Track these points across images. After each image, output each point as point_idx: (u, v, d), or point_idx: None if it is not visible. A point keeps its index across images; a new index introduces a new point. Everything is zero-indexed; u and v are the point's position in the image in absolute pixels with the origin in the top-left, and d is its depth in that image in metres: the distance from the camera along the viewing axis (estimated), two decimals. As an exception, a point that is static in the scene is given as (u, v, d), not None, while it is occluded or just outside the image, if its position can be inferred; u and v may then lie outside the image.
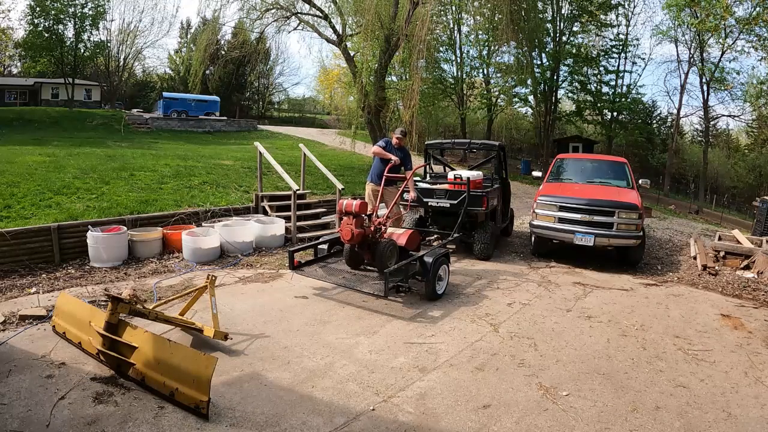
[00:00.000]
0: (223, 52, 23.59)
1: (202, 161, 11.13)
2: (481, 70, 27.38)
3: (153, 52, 70.43)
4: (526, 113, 32.06)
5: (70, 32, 26.09)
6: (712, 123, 31.22)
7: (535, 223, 6.76)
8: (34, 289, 4.76)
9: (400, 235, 5.12)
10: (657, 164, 32.72)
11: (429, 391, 3.15)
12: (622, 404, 3.06)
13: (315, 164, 8.56)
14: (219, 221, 6.91)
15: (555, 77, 26.25)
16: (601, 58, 27.35)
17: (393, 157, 5.96)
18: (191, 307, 4.04)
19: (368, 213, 4.91)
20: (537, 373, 3.45)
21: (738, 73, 24.37)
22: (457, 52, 26.31)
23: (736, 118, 29.31)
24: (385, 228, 5.07)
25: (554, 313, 4.70)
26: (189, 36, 41.47)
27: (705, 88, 26.91)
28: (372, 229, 4.85)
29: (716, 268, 6.48)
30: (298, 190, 7.53)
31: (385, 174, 5.88)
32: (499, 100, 28.01)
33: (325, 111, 45.59)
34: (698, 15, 13.27)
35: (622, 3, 26.28)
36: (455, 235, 6.19)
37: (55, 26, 25.39)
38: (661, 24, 31.67)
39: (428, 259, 4.76)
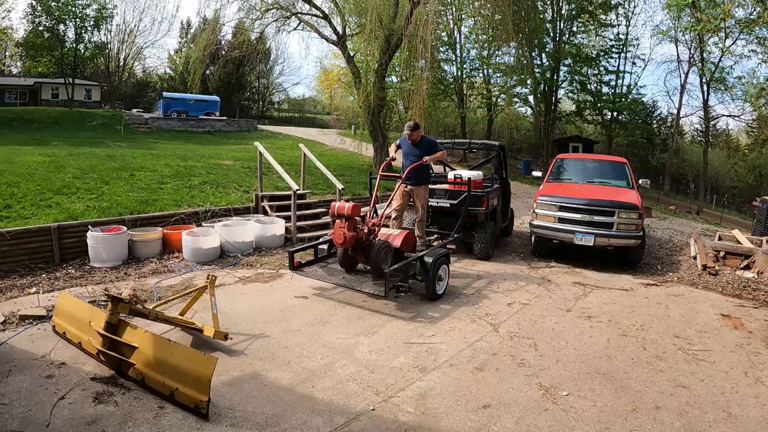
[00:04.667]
0: (223, 52, 23.58)
1: (202, 161, 11.13)
2: (481, 70, 27.38)
3: (153, 52, 70.27)
4: (526, 113, 32.02)
5: (71, 32, 26.12)
6: (712, 123, 31.22)
7: (535, 223, 6.75)
8: (34, 289, 4.76)
9: (395, 236, 5.02)
10: (657, 164, 32.70)
11: (429, 391, 3.15)
12: (622, 404, 3.07)
13: (315, 164, 8.55)
14: (219, 221, 6.91)
15: (555, 77, 26.24)
16: (601, 58, 27.31)
17: (391, 154, 5.82)
18: (191, 307, 4.04)
19: (361, 215, 4.80)
20: (537, 373, 3.45)
21: (740, 78, 24.40)
22: (457, 52, 26.32)
23: (736, 118, 29.34)
24: (379, 229, 4.98)
25: (554, 313, 4.70)
26: (189, 36, 41.44)
27: (705, 88, 26.95)
28: (366, 231, 4.75)
29: (716, 268, 6.48)
30: (298, 190, 7.52)
31: (380, 173, 5.70)
32: (499, 100, 28.00)
33: (325, 111, 45.53)
34: (699, 20, 13.28)
35: (622, 3, 26.26)
36: (455, 235, 6.18)
37: (56, 26, 25.38)
38: (661, 24, 31.70)
39: (428, 259, 4.76)
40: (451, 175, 7.44)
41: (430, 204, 6.82)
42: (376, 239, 4.84)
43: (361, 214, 4.80)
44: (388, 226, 6.29)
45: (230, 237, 6.43)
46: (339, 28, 14.98)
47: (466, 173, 7.02)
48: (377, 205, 5.83)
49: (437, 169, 9.00)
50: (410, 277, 4.80)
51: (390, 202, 5.55)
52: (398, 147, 5.93)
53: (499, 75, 26.77)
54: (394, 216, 5.91)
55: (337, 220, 4.56)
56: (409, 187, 5.82)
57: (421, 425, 2.77)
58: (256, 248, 6.75)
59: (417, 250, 5.45)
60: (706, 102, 27.46)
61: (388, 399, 3.03)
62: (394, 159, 5.81)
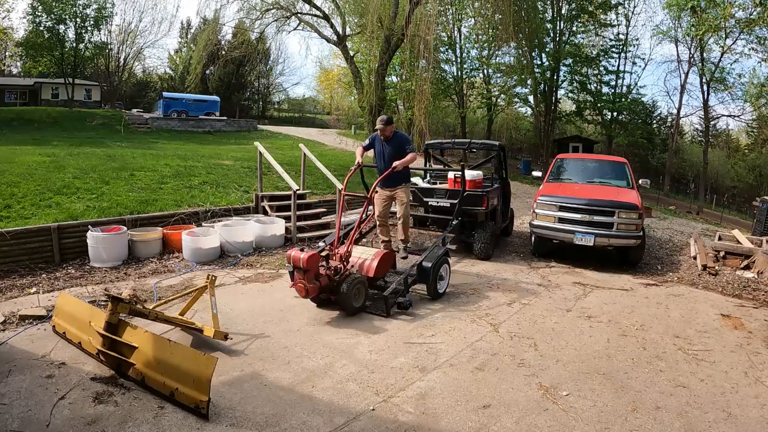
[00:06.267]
0: (223, 52, 23.62)
1: (202, 161, 11.12)
2: (481, 70, 27.40)
3: (153, 52, 70.29)
4: (526, 113, 32.11)
5: (71, 32, 26.08)
6: (712, 123, 31.19)
7: (535, 223, 6.75)
8: (34, 289, 4.76)
9: (369, 261, 4.67)
10: (657, 164, 32.71)
11: (429, 391, 3.15)
12: (622, 404, 3.06)
13: (315, 164, 8.55)
14: (219, 221, 6.91)
15: (555, 77, 26.25)
16: (601, 58, 27.34)
17: (357, 159, 5.32)
18: (191, 307, 4.04)
19: (324, 255, 4.37)
20: (537, 373, 3.45)
21: (740, 76, 24.41)
22: (457, 52, 26.34)
23: (736, 118, 29.38)
24: (348, 257, 4.57)
25: (554, 313, 4.70)
26: (189, 36, 41.44)
27: (705, 88, 26.96)
28: (332, 271, 4.30)
29: (716, 268, 6.48)
30: (298, 190, 7.52)
31: (343, 192, 5.42)
32: (499, 100, 28.03)
33: (325, 111, 45.58)
34: (699, 22, 13.34)
35: (622, 3, 26.28)
36: (454, 221, 6.10)
37: (56, 26, 25.38)
38: (662, 24, 31.73)
39: (427, 264, 4.76)
40: (450, 174, 7.44)
41: (430, 204, 6.82)
42: (348, 270, 4.45)
43: (324, 253, 4.40)
44: (375, 231, 6.09)
45: (230, 237, 6.43)
46: (339, 29, 15.02)
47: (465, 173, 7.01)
48: (345, 213, 5.32)
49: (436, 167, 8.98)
50: (411, 284, 4.78)
51: (361, 219, 5.09)
52: (365, 148, 5.46)
53: (499, 75, 26.86)
54: (379, 223, 5.60)
55: (296, 272, 4.15)
56: (388, 191, 5.43)
57: (421, 425, 2.77)
58: (256, 248, 6.75)
59: (403, 254, 5.40)
60: (706, 102, 27.49)
61: (388, 399, 3.03)
62: (360, 165, 5.36)
